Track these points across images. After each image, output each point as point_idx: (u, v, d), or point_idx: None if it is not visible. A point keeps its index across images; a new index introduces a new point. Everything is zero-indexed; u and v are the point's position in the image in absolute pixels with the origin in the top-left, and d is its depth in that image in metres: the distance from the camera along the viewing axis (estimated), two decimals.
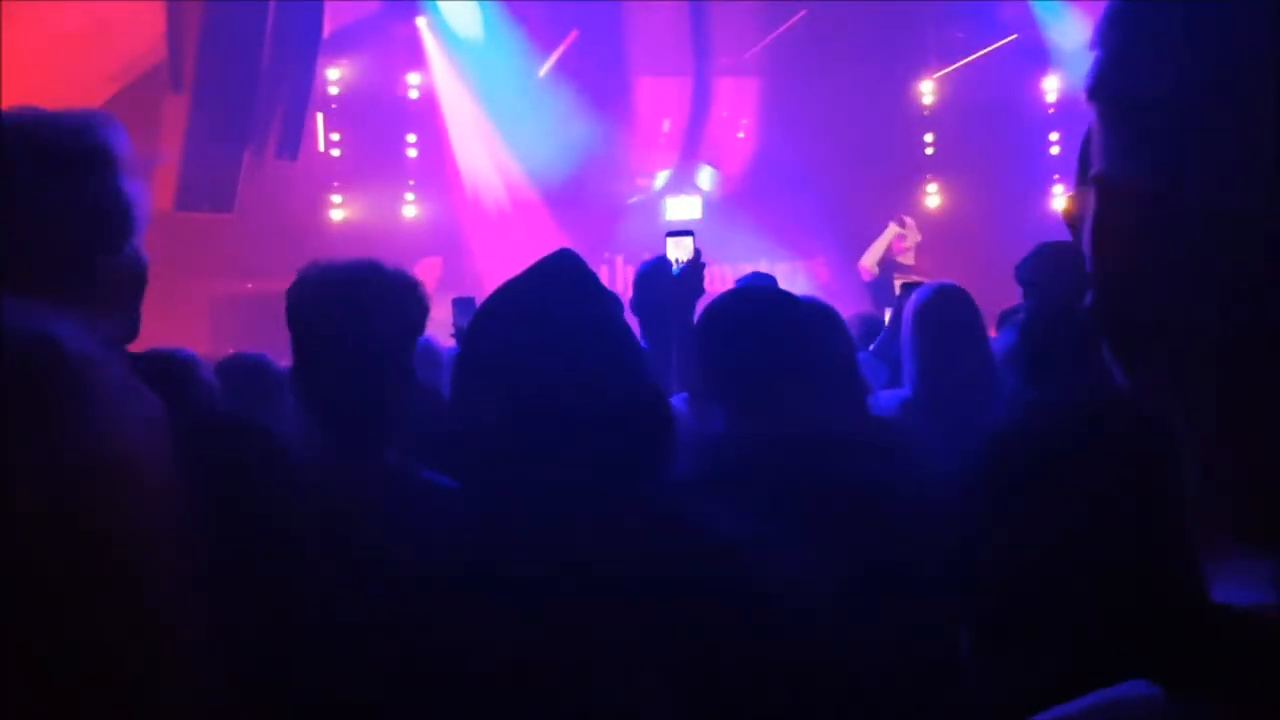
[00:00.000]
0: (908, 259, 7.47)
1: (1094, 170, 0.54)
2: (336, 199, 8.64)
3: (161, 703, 0.56)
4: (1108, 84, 0.53)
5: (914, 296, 2.86)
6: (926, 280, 3.49)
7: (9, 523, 0.50)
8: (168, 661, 0.57)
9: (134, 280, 1.22)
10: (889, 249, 7.44)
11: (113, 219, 1.16)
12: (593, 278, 1.39)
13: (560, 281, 1.36)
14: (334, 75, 8.37)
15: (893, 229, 7.53)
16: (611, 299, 1.38)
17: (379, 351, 1.72)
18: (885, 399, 2.90)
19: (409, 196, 9.08)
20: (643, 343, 2.66)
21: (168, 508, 0.60)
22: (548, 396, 1.26)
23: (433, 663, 1.20)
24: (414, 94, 8.98)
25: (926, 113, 10.08)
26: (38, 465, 0.52)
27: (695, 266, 2.71)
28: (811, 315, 2.00)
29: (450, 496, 1.55)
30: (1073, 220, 0.55)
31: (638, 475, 1.29)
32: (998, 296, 3.44)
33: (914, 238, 7.58)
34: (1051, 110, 9.50)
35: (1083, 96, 0.55)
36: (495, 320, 1.34)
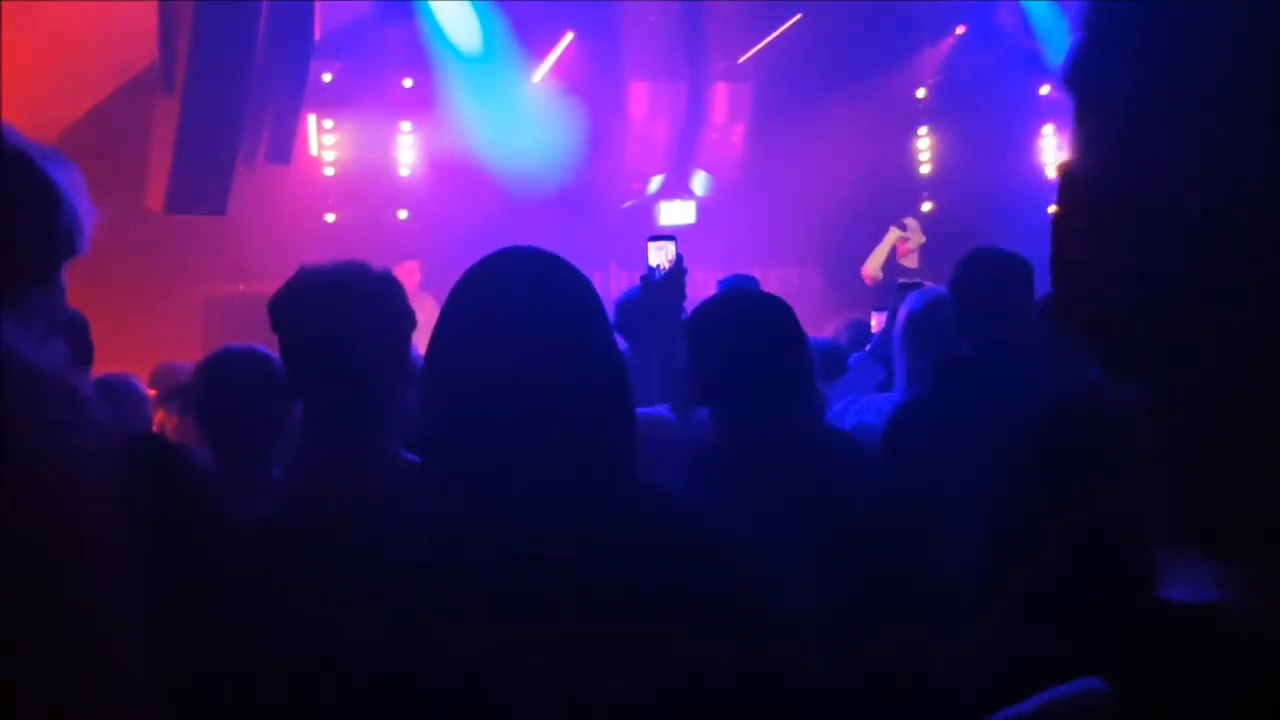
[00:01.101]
0: (911, 261, 7.40)
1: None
2: (328, 202, 8.62)
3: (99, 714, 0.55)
4: (1079, 73, 0.53)
5: (905, 303, 2.88)
6: (927, 283, 3.49)
7: None
8: (105, 672, 0.55)
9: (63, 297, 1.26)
10: (892, 253, 7.37)
11: (53, 233, 1.20)
12: (555, 267, 1.37)
13: (516, 275, 1.35)
14: (327, 78, 8.35)
15: (894, 233, 7.47)
16: (577, 287, 1.36)
17: (367, 353, 1.70)
18: (879, 402, 2.92)
19: (402, 196, 9.07)
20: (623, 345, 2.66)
21: (111, 524, 0.58)
22: (505, 390, 1.26)
23: (414, 660, 1.19)
24: (407, 95, 8.97)
25: (921, 117, 10.11)
26: None
27: (677, 272, 2.69)
28: (785, 317, 2.01)
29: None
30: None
31: (598, 467, 1.29)
32: None
33: (917, 239, 7.49)
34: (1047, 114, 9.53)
35: (1060, 83, 0.55)
36: (455, 315, 1.34)
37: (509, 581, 1.20)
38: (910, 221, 7.64)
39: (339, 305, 1.71)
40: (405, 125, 9.00)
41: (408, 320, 1.80)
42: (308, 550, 1.39)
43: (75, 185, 1.24)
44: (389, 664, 1.19)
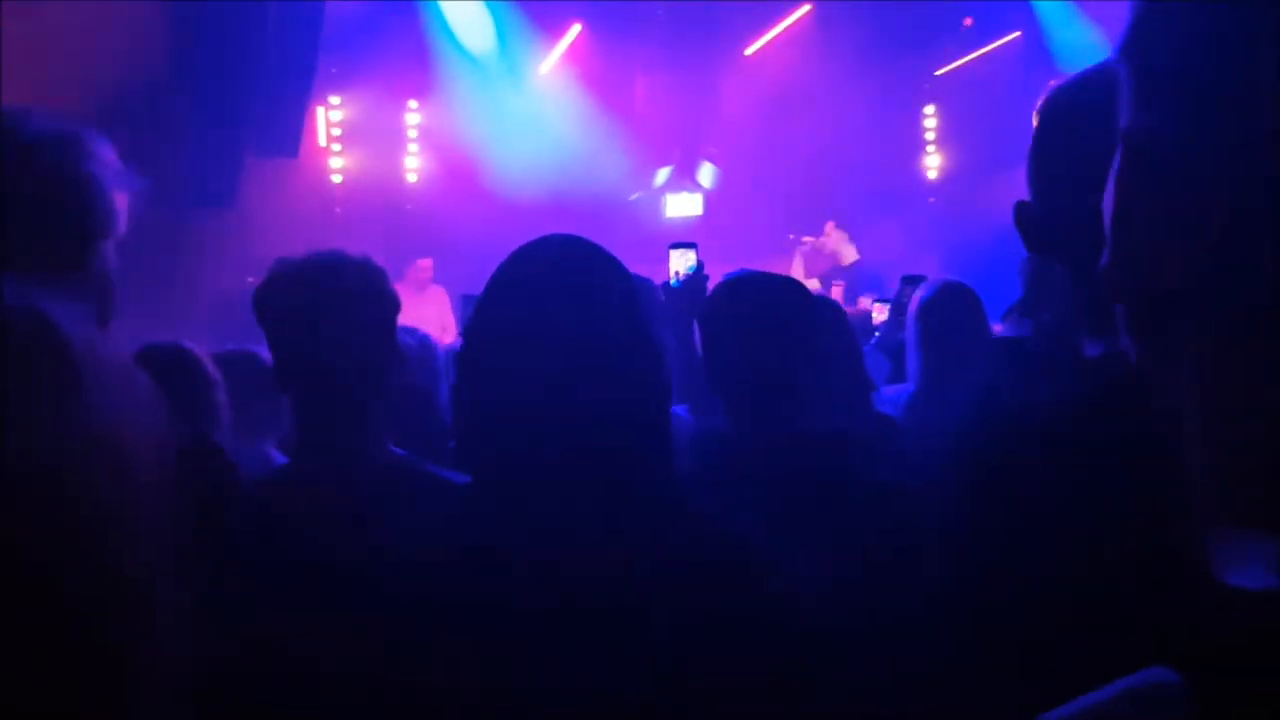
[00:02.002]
0: (848, 257, 7.50)
1: (1122, 124, 0.53)
2: (336, 194, 8.64)
3: (141, 691, 0.55)
4: (1133, 47, 0.52)
5: (919, 293, 2.87)
6: (927, 276, 3.49)
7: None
8: (147, 646, 0.56)
9: (108, 275, 1.26)
10: (811, 265, 7.48)
11: (89, 215, 1.20)
12: (599, 260, 1.35)
13: (563, 267, 1.33)
14: (334, 70, 8.36)
15: (798, 260, 7.60)
16: (619, 283, 1.34)
17: (349, 342, 1.70)
18: (890, 394, 2.91)
19: (410, 189, 9.09)
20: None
21: (162, 502, 0.59)
22: (548, 384, 1.24)
23: (432, 653, 1.19)
24: (414, 92, 8.98)
25: (930, 109, 10.08)
26: (31, 448, 0.51)
27: (698, 279, 2.69)
28: (815, 308, 1.98)
29: (454, 488, 1.54)
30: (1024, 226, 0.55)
31: (638, 464, 1.28)
32: (1002, 292, 3.43)
33: (834, 241, 7.60)
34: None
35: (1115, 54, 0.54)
36: (499, 304, 1.32)
37: (548, 571, 1.20)
38: (809, 239, 7.67)
39: (317, 296, 1.69)
40: (412, 133, 9.01)
41: (389, 305, 1.78)
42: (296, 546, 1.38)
43: (107, 164, 1.23)
44: (407, 667, 1.19)
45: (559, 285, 1.31)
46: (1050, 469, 1.66)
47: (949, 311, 2.77)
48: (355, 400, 1.71)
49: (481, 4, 8.65)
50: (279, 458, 2.21)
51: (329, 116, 8.57)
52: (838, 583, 1.54)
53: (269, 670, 1.39)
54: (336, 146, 8.63)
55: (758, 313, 1.91)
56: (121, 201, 1.25)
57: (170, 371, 2.05)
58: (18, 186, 1.11)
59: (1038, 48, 8.97)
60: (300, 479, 1.73)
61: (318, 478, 1.70)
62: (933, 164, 10.07)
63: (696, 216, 9.63)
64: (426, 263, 7.95)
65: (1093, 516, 1.46)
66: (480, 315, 1.32)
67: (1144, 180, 0.51)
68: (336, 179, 8.68)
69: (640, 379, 1.29)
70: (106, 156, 1.24)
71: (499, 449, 1.27)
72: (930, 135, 10.09)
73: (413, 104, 9.03)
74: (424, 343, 2.58)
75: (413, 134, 9.04)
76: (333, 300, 1.69)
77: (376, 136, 8.83)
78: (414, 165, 9.09)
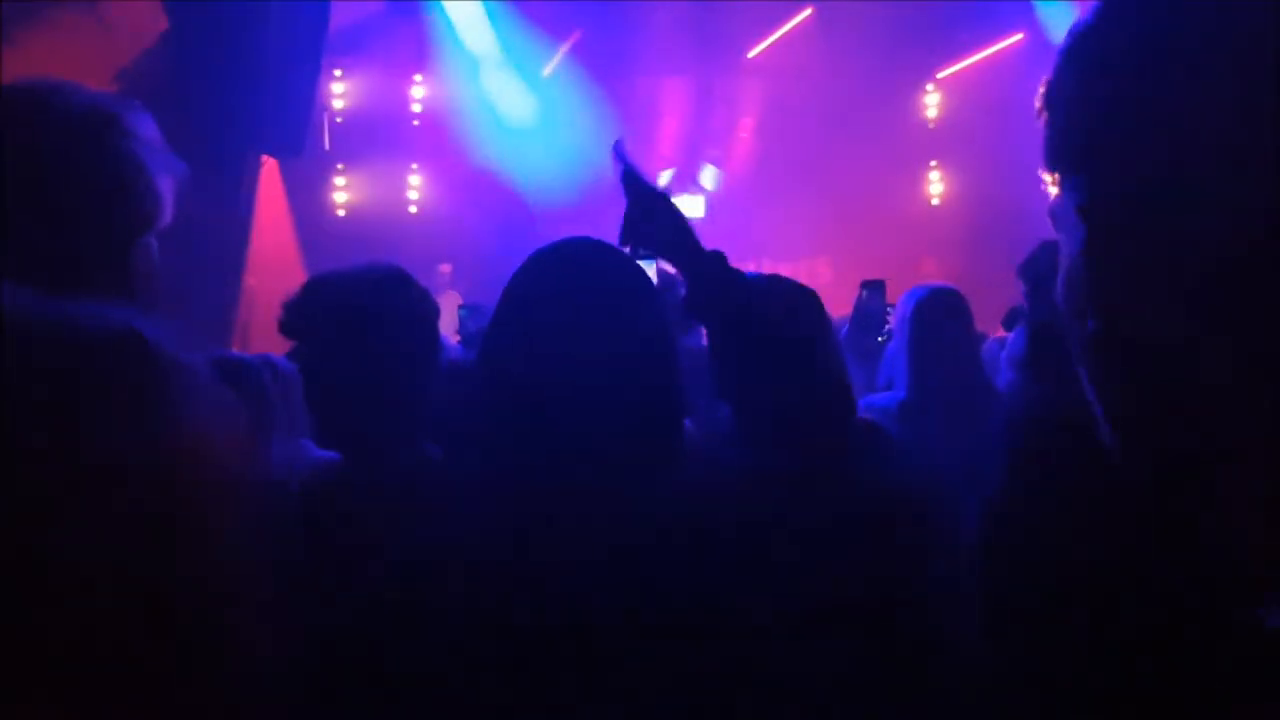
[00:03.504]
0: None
1: (1079, 204, 0.54)
2: (341, 198, 8.65)
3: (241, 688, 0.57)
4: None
5: (911, 299, 2.80)
6: (885, 281, 3.44)
7: (107, 525, 0.50)
8: (243, 644, 0.57)
9: (152, 273, 1.11)
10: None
11: (137, 198, 1.06)
12: (622, 265, 1.35)
13: (586, 269, 1.33)
14: (339, 73, 8.38)
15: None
16: (641, 287, 1.34)
17: (388, 352, 1.68)
18: (879, 402, 2.88)
19: (413, 195, 9.10)
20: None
21: (250, 509, 0.60)
22: (568, 386, 1.24)
23: (455, 644, 1.20)
24: (419, 91, 9.00)
25: (931, 112, 10.09)
26: (130, 464, 0.52)
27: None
28: (828, 318, 1.97)
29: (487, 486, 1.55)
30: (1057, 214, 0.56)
31: (649, 469, 1.28)
32: (1001, 295, 3.44)
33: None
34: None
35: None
36: (519, 309, 1.31)
37: (553, 570, 1.20)
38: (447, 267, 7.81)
39: (362, 307, 1.68)
40: (415, 127, 9.03)
41: (429, 310, 1.77)
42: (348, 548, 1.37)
43: (151, 143, 1.07)
44: (444, 653, 1.20)
45: (580, 291, 1.30)
46: (1087, 546, 1.64)
47: (943, 318, 2.73)
48: (396, 407, 1.69)
49: (485, 8, 8.66)
50: (319, 452, 2.20)
51: (333, 118, 8.58)
52: (837, 606, 1.52)
53: (331, 660, 1.39)
54: (340, 150, 8.64)
55: (775, 321, 1.90)
56: (167, 187, 1.09)
57: (231, 381, 2.05)
58: (53, 171, 0.97)
59: (1041, 50, 8.98)
60: (347, 480, 1.72)
61: (363, 479, 1.68)
62: (934, 170, 10.09)
63: (698, 219, 9.64)
64: (446, 267, 8.02)
65: (1132, 585, 1.44)
66: (501, 319, 1.31)
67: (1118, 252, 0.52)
68: (340, 181, 8.69)
69: (658, 388, 1.29)
70: (150, 135, 1.07)
71: (516, 453, 1.27)
72: (931, 112, 10.08)
73: (416, 102, 9.04)
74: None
75: (417, 137, 9.05)
76: (375, 311, 1.67)
77: (381, 137, 8.84)
78: (418, 168, 9.10)
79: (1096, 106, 0.53)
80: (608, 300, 1.30)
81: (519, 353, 1.28)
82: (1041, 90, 0.57)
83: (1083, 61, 0.54)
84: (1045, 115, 0.56)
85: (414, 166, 9.12)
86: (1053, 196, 0.58)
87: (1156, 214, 0.50)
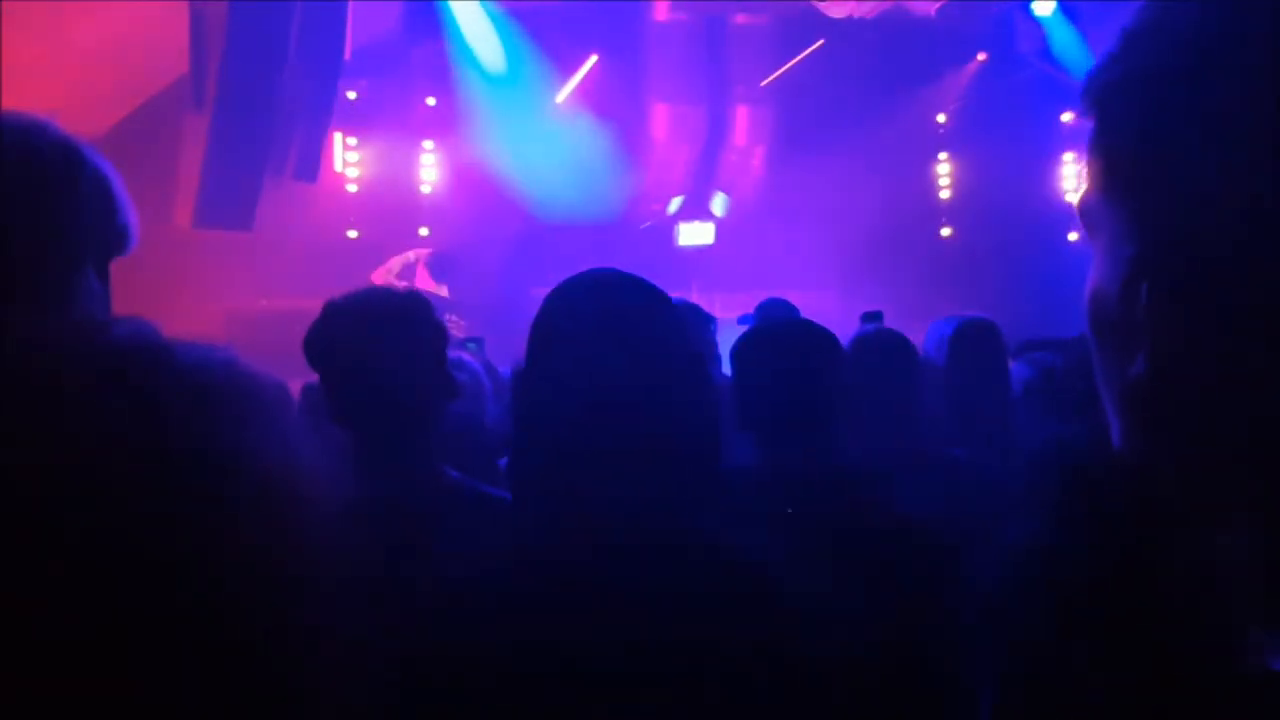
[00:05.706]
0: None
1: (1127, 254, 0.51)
2: (351, 219, 8.69)
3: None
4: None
5: (944, 327, 2.75)
6: (884, 312, 3.41)
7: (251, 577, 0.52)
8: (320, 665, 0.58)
9: (106, 295, 1.20)
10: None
11: (94, 234, 1.15)
12: (652, 295, 1.35)
13: (619, 302, 1.33)
14: (352, 96, 8.43)
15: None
16: (673, 318, 1.33)
17: (404, 377, 1.74)
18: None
19: (423, 217, 9.14)
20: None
21: (326, 530, 0.61)
22: (607, 416, 1.24)
23: (480, 669, 1.19)
24: (432, 115, 9.05)
25: (941, 142, 10.11)
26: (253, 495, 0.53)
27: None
28: (839, 346, 1.97)
29: (506, 508, 1.56)
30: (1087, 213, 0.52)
31: (686, 502, 1.27)
32: (1012, 326, 3.42)
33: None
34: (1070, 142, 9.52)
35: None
36: (560, 336, 1.31)
37: (585, 596, 1.20)
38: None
39: (376, 333, 1.74)
40: (428, 144, 9.07)
41: (439, 336, 1.82)
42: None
43: (111, 179, 1.19)
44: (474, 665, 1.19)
45: (613, 319, 1.30)
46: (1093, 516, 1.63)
47: (979, 347, 2.68)
48: (415, 428, 1.76)
49: (500, 33, 8.73)
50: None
51: (345, 141, 8.63)
52: (871, 616, 1.50)
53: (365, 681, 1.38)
54: (352, 172, 8.68)
55: (788, 353, 1.92)
56: (129, 220, 1.20)
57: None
58: (16, 201, 1.06)
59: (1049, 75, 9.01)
60: (367, 504, 1.75)
61: (384, 502, 1.72)
62: (944, 182, 10.10)
63: (708, 245, 9.66)
64: (415, 254, 8.05)
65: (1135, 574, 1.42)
66: (535, 350, 1.32)
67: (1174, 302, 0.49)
68: (351, 203, 8.72)
69: (696, 415, 1.29)
70: (110, 172, 1.19)
71: (546, 476, 1.28)
72: (943, 163, 10.12)
73: (429, 131, 9.09)
74: (473, 375, 2.69)
75: (428, 160, 9.09)
76: (389, 336, 1.74)
77: (392, 161, 8.88)
78: (428, 190, 9.14)
79: (1159, 106, 0.48)
80: (645, 331, 1.30)
81: (559, 386, 1.28)
82: (1085, 86, 0.52)
83: (1142, 58, 0.49)
84: (1094, 114, 0.52)
85: (428, 145, 9.14)
86: (1083, 191, 0.53)
87: (1233, 233, 0.45)
